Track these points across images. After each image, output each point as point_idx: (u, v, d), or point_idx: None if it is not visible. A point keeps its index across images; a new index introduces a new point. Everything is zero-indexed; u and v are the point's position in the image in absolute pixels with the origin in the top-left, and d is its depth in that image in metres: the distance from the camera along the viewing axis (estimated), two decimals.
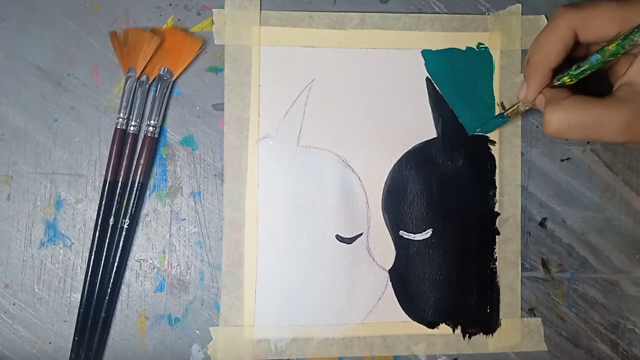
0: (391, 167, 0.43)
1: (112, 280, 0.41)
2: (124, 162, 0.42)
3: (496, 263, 0.44)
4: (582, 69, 0.37)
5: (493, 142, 0.44)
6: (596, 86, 0.39)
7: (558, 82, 0.38)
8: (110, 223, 0.41)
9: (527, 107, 0.40)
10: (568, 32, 0.36)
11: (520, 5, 0.44)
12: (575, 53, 0.38)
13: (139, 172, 0.42)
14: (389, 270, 0.43)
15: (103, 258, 0.41)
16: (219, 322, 0.42)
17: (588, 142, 0.45)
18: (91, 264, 0.41)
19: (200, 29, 0.43)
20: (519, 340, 0.44)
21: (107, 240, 0.41)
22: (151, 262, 0.43)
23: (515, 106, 0.41)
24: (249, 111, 0.43)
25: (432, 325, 0.43)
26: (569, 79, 0.38)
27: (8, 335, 0.42)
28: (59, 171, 0.42)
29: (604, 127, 0.34)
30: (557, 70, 0.38)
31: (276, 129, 0.43)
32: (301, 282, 0.43)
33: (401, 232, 0.43)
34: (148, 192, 0.43)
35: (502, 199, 0.44)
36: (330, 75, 0.43)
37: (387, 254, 0.43)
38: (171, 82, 0.42)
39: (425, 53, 0.44)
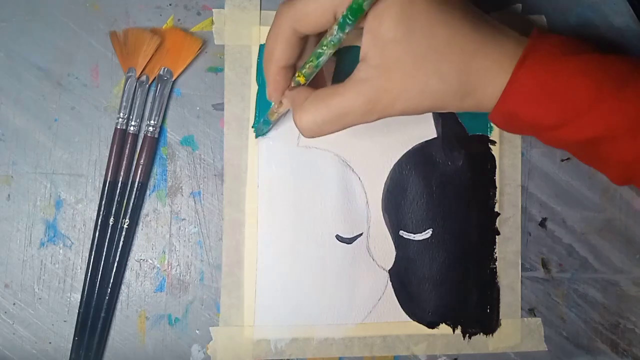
0: (391, 167, 0.43)
1: (112, 280, 0.41)
2: (124, 162, 0.42)
3: (496, 263, 0.44)
4: (309, 64, 0.34)
5: (493, 142, 0.44)
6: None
7: (294, 84, 0.36)
8: (110, 223, 0.41)
9: (280, 112, 0.38)
10: (286, 28, 0.34)
11: (520, 5, 0.44)
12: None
13: (139, 172, 0.42)
14: (389, 270, 0.43)
15: (103, 258, 0.41)
16: (219, 322, 0.42)
17: None
18: (91, 264, 0.41)
19: (200, 29, 0.43)
20: (519, 340, 0.44)
21: (107, 240, 0.41)
22: (151, 262, 0.43)
23: (271, 109, 0.39)
24: (249, 111, 0.43)
25: (432, 325, 0.43)
26: (302, 78, 0.35)
27: (8, 335, 0.42)
28: (59, 171, 0.42)
29: (351, 113, 0.33)
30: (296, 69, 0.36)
31: (276, 129, 0.43)
32: (301, 282, 0.43)
33: (401, 232, 0.43)
34: (148, 192, 0.43)
35: (502, 199, 0.44)
36: None
37: (387, 254, 0.43)
38: (171, 82, 0.42)
39: None
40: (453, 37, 0.32)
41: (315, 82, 0.37)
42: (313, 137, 0.35)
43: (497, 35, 0.33)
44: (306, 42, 0.36)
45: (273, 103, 0.38)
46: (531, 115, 0.33)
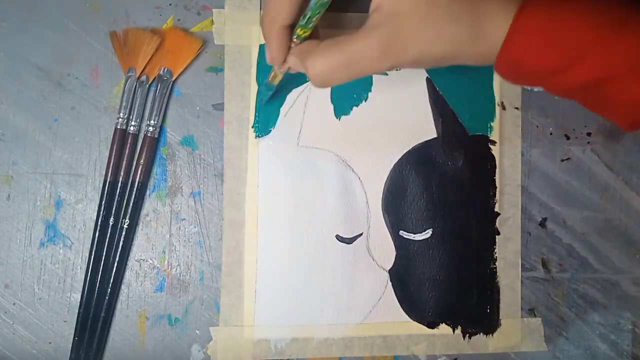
0: (391, 167, 0.43)
1: (112, 280, 0.41)
2: (124, 162, 0.42)
3: (496, 263, 0.44)
4: (308, 16, 0.34)
5: (493, 142, 0.44)
6: None
7: (296, 38, 0.35)
8: (110, 223, 0.41)
9: (283, 70, 0.38)
10: None
11: None
12: None
13: (139, 172, 0.42)
14: (389, 270, 0.43)
15: (103, 258, 0.41)
16: (219, 322, 0.42)
17: (588, 143, 0.45)
18: (91, 264, 0.41)
19: (200, 29, 0.43)
20: (519, 341, 0.44)
21: (107, 240, 0.41)
22: (151, 262, 0.43)
23: (272, 72, 0.38)
24: (249, 111, 0.43)
25: (432, 325, 0.43)
26: (302, 31, 0.35)
27: (8, 335, 0.42)
28: (59, 171, 0.42)
29: (364, 59, 0.33)
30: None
31: (276, 128, 0.43)
32: (301, 282, 0.43)
33: (401, 232, 0.43)
34: (148, 192, 0.43)
35: (502, 199, 0.44)
36: None
37: (387, 254, 0.43)
38: (171, 82, 0.42)
39: None
40: None
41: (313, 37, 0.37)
42: (324, 85, 0.35)
43: None
44: None
45: (274, 66, 0.38)
46: (534, 60, 0.33)
